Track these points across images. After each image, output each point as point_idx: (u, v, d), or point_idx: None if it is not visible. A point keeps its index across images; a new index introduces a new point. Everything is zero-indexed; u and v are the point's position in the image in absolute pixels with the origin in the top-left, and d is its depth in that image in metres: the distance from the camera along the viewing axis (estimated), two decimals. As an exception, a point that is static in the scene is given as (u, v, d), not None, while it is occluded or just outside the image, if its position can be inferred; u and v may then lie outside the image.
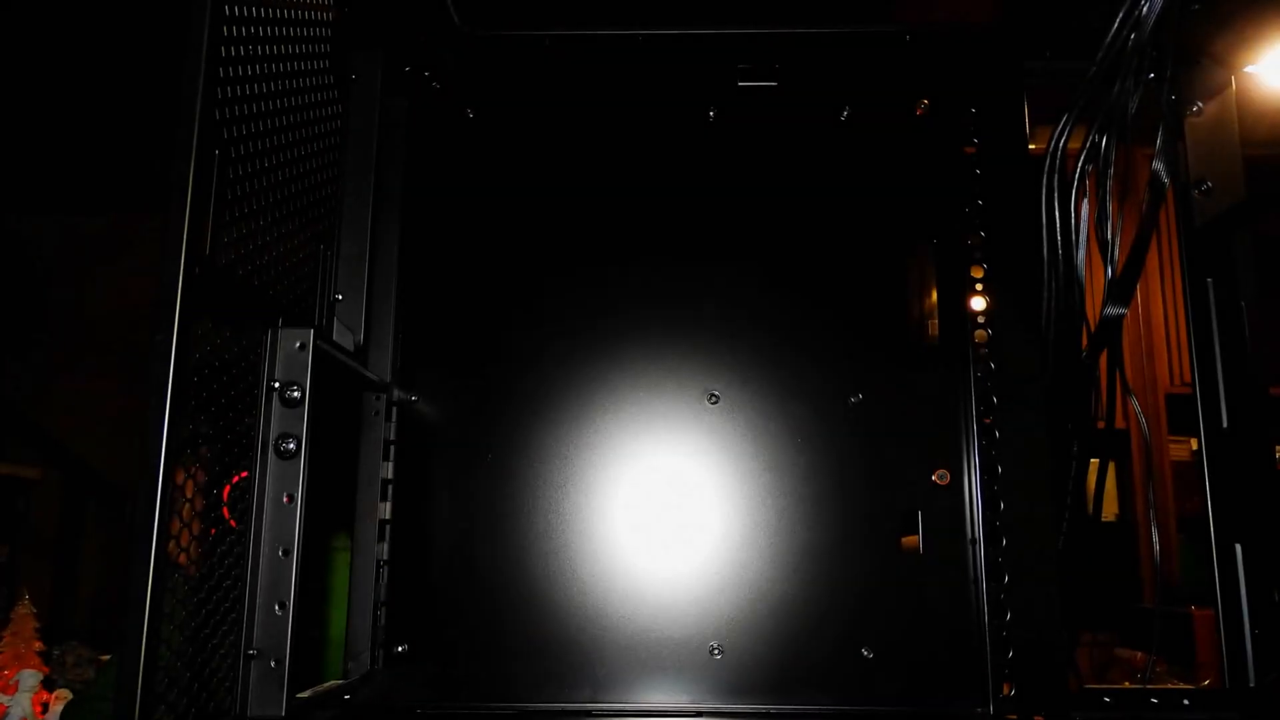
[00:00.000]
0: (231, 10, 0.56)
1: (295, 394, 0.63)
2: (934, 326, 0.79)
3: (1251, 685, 0.73)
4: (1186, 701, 0.71)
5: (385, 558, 0.77)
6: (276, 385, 0.63)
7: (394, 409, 0.80)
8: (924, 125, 0.82)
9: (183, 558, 0.53)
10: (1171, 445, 2.14)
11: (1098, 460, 0.84)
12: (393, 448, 0.79)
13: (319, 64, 0.72)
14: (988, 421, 0.76)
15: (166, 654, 0.50)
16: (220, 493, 0.59)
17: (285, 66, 0.65)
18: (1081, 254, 0.79)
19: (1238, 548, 0.75)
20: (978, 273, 0.78)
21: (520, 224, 0.82)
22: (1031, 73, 0.83)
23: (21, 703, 1.17)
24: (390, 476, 0.79)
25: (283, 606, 0.61)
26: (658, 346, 0.79)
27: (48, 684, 1.23)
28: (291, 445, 0.63)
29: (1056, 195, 0.79)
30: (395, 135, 0.84)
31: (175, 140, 0.52)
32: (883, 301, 0.80)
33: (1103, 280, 0.79)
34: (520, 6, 0.85)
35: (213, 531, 0.58)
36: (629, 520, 0.76)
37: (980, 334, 0.77)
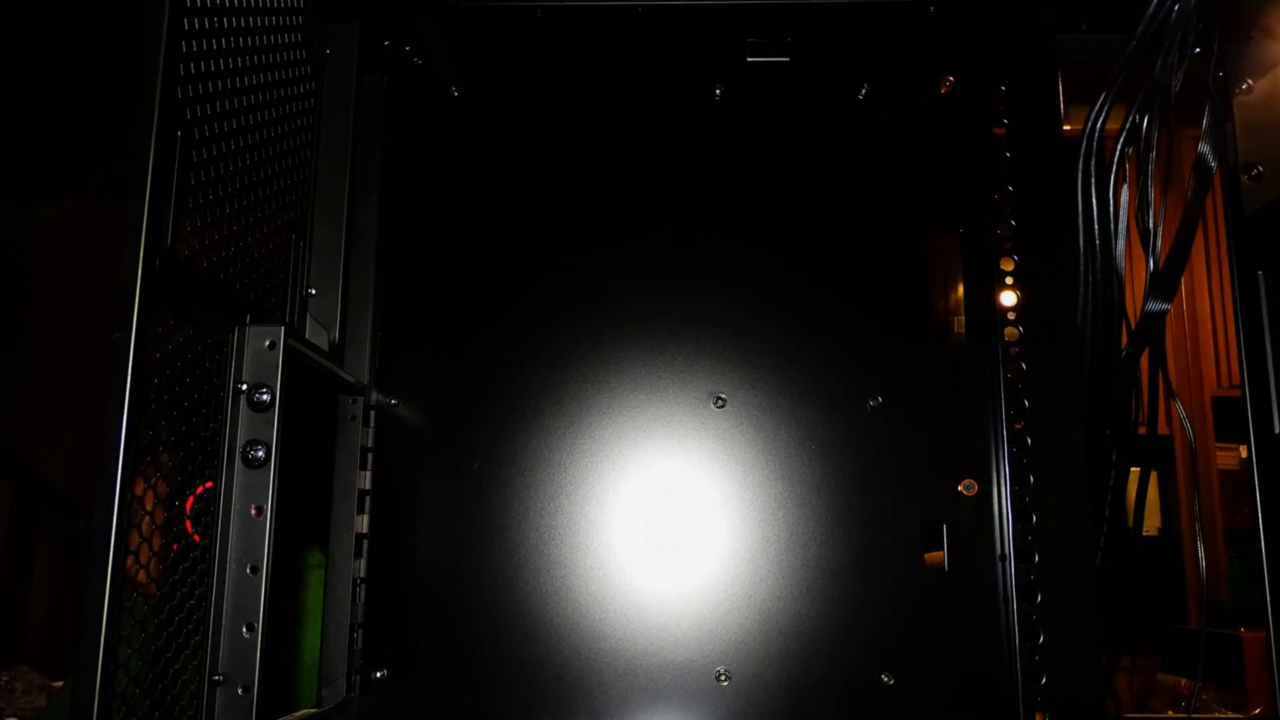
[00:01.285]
0: (195, -21, 0.56)
1: (264, 397, 0.63)
2: (960, 324, 0.79)
3: (1306, 714, 0.73)
4: (1235, 732, 0.71)
5: (362, 575, 0.78)
6: (244, 388, 0.63)
7: (372, 413, 0.80)
8: (949, 104, 0.82)
9: (142, 575, 0.53)
10: (1219, 452, 2.14)
11: (1138, 469, 0.85)
12: (371, 455, 0.79)
13: (289, 38, 0.72)
14: (1019, 427, 0.76)
15: (124, 680, 0.50)
16: (183, 504, 0.59)
17: (253, 41, 0.65)
18: (1121, 244, 0.79)
19: (1291, 564, 0.75)
20: (1008, 265, 0.78)
21: (510, 212, 0.82)
22: (1066, 47, 0.83)
23: (-33, 733, 1.17)
24: (368, 487, 0.79)
25: (251, 628, 0.61)
26: (659, 345, 0.79)
27: (-5, 712, 1.23)
28: (260, 453, 0.63)
29: (1094, 181, 0.79)
30: (373, 116, 0.84)
31: (134, 121, 0.52)
32: (904, 296, 0.80)
33: (1144, 273, 0.79)
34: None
35: (175, 546, 0.58)
36: (628, 534, 0.76)
37: (1011, 332, 0.77)
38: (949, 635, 0.74)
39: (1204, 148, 0.76)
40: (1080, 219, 0.79)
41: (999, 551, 0.75)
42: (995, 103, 0.81)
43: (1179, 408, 0.87)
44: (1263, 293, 0.79)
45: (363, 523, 0.78)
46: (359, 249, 0.81)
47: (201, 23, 0.57)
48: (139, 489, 0.52)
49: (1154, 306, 0.78)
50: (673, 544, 0.76)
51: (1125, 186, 0.79)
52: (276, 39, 0.70)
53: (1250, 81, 0.82)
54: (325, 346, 0.76)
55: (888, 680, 0.73)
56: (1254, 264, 0.80)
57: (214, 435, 0.61)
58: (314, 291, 0.77)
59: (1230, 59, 0.81)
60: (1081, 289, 0.79)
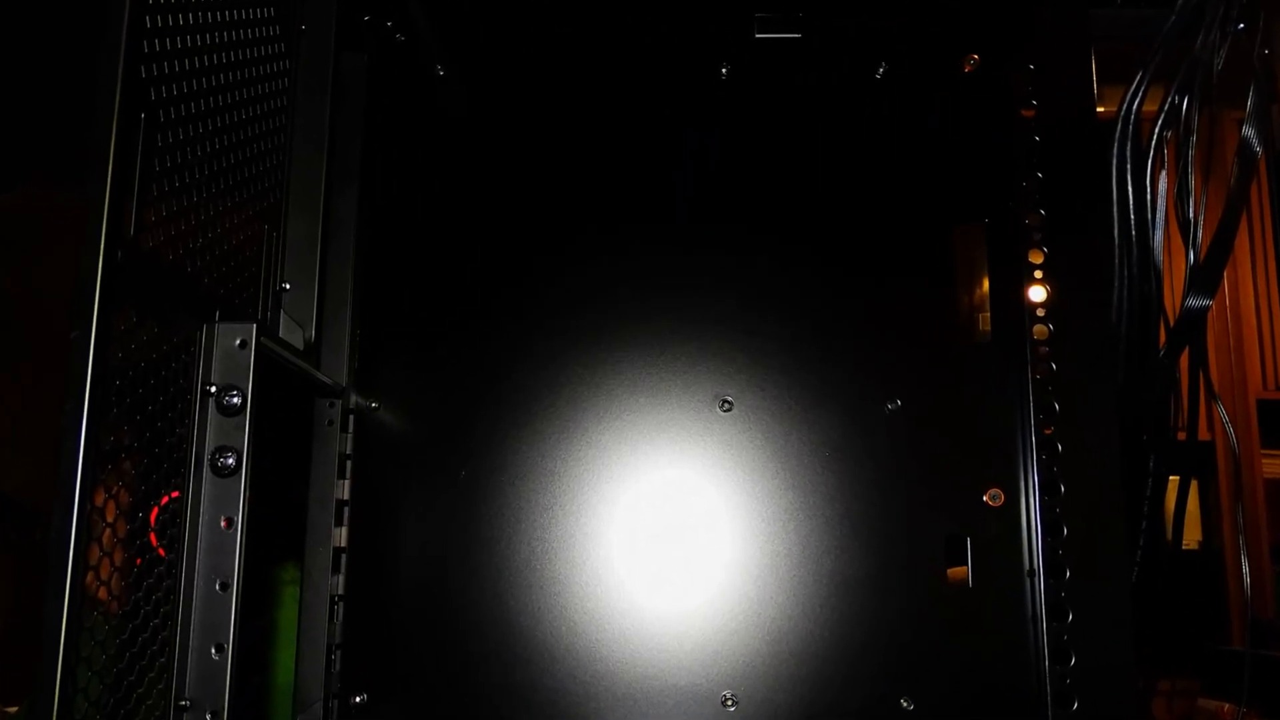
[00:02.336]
0: (160, -51, 0.56)
1: (234, 400, 0.63)
2: (985, 321, 0.79)
3: (1358, 742, 0.73)
4: (1282, 761, 0.71)
5: (340, 592, 0.77)
6: (213, 390, 0.63)
7: (351, 417, 0.80)
8: (974, 85, 0.82)
9: (103, 592, 0.53)
10: (1264, 460, 2.14)
11: (1177, 477, 0.84)
12: (349, 463, 0.79)
13: (262, 13, 0.72)
14: (1048, 432, 0.76)
15: (84, 705, 0.50)
16: (147, 516, 0.59)
17: (223, 15, 0.65)
18: (1159, 235, 0.79)
19: (1342, 580, 0.75)
20: (1037, 258, 0.78)
21: (499, 202, 0.82)
22: (1100, 23, 0.83)
23: (-86, 762, 1.17)
24: (346, 497, 0.79)
25: (220, 649, 0.61)
26: (661, 344, 0.79)
27: (-55, 740, 1.23)
28: (230, 460, 0.63)
29: (1129, 167, 0.79)
30: (352, 97, 0.84)
31: (94, 102, 0.52)
32: (925, 291, 0.80)
33: (1184, 266, 0.79)
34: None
35: (138, 561, 0.58)
36: (627, 548, 0.76)
37: (1040, 330, 0.77)
38: (973, 656, 0.74)
39: (1248, 131, 0.76)
40: (1115, 208, 0.79)
41: (1027, 566, 0.75)
42: (1023, 83, 0.81)
43: (1221, 411, 0.87)
44: (1312, 287, 0.79)
45: (341, 536, 0.78)
46: (337, 241, 0.81)
47: (167, -4, 0.57)
48: (99, 499, 0.52)
49: (1194, 302, 0.78)
50: (675, 558, 0.76)
51: (1163, 173, 0.79)
52: (248, 13, 0.70)
53: (1298, 60, 0.82)
54: (300, 345, 0.76)
55: (907, 705, 0.73)
56: (1302, 256, 0.80)
57: (180, 441, 0.61)
58: (288, 286, 0.77)
59: (1277, 36, 0.80)
60: (1116, 283, 0.79)
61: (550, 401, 0.78)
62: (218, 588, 0.62)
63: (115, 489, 0.54)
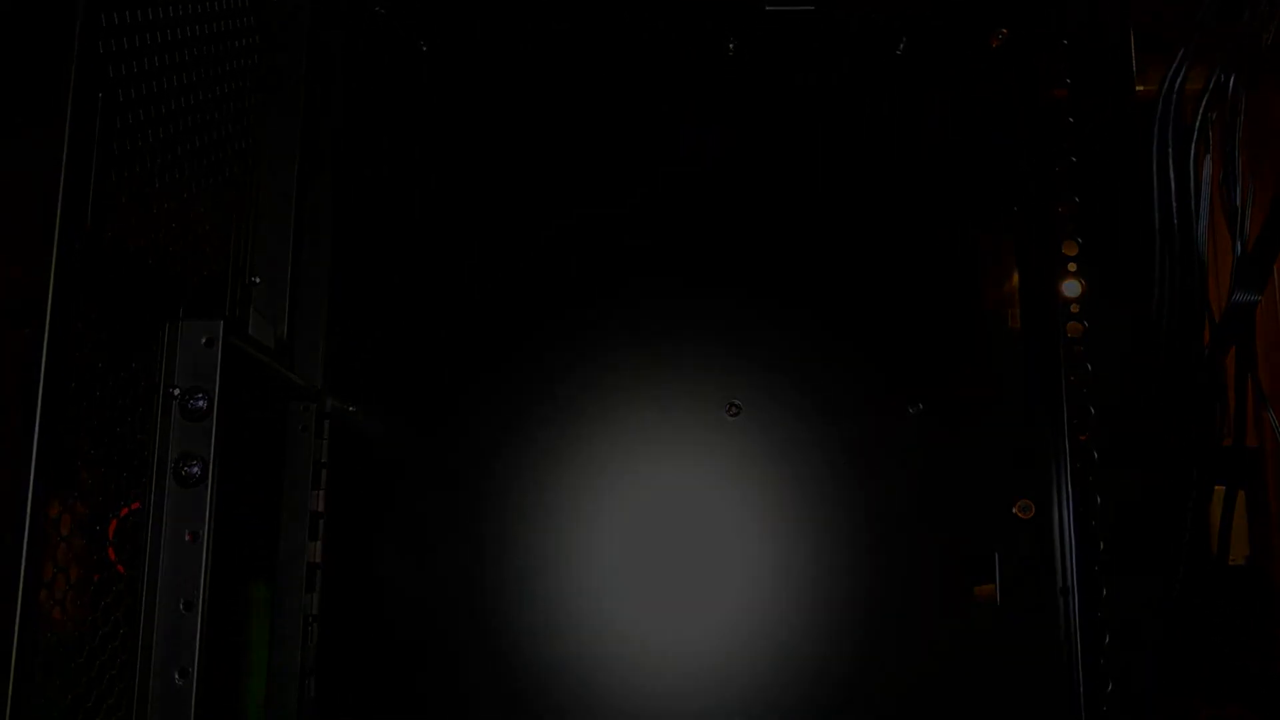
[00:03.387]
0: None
1: (200, 403, 0.63)
2: (1014, 318, 0.79)
3: None
4: (1336, 795, 0.71)
5: (315, 612, 0.77)
6: (176, 392, 0.63)
7: (326, 423, 0.80)
8: (1002, 62, 0.82)
9: (58, 611, 0.53)
10: (1317, 468, 2.14)
11: (1223, 488, 0.84)
12: (325, 472, 0.79)
13: (231, -17, 0.72)
14: (1083, 438, 0.76)
15: (36, 734, 0.50)
16: (105, 529, 0.59)
17: (188, -14, 0.65)
18: (1203, 225, 0.79)
19: (1401, 599, 0.75)
20: (1070, 249, 0.78)
21: (489, 189, 0.82)
22: (1139, -6, 0.83)
23: None
24: (321, 508, 0.79)
25: (184, 674, 0.61)
26: (663, 344, 0.79)
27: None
28: (195, 468, 0.63)
29: (1171, 150, 0.79)
30: (329, 77, 0.84)
31: (47, 81, 0.52)
32: (949, 286, 0.80)
33: (1230, 259, 0.79)
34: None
35: (96, 578, 0.58)
36: (628, 562, 0.76)
37: (1074, 327, 0.77)
38: (1001, 680, 0.74)
39: (1300, 112, 0.76)
40: (1155, 195, 0.79)
41: (1060, 584, 0.75)
42: (1056, 60, 0.81)
43: (1271, 416, 0.86)
44: (1369, 281, 0.79)
45: (315, 550, 0.78)
46: (311, 232, 0.81)
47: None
48: (54, 511, 0.52)
49: (1242, 297, 0.78)
50: (678, 574, 0.76)
51: (1208, 157, 0.79)
52: (215, -15, 0.70)
53: (1354, 34, 0.81)
54: (271, 344, 0.76)
55: (930, 735, 0.73)
56: (1358, 248, 0.80)
57: (141, 448, 0.61)
58: (258, 280, 0.77)
59: (1331, 8, 0.80)
60: (1156, 277, 0.79)
61: (545, 404, 0.78)
62: (181, 607, 0.62)
63: (71, 500, 0.54)
